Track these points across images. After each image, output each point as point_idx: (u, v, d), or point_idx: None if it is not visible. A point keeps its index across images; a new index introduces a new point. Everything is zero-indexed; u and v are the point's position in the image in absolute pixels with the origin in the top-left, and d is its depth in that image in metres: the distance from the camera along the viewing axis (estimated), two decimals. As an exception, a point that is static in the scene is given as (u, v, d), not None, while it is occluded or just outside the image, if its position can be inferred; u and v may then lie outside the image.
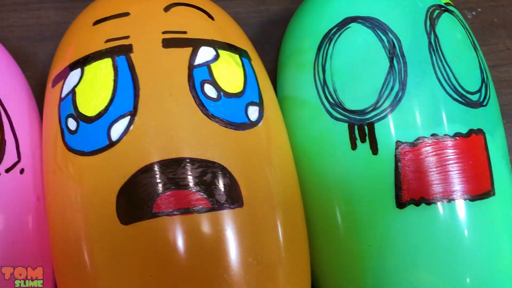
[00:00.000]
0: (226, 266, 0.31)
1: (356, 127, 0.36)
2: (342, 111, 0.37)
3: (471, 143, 0.36)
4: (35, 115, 0.39)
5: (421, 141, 0.35)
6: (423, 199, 0.34)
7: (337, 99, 0.37)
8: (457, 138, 0.35)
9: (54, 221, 0.34)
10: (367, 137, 0.36)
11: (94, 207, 0.32)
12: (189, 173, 0.31)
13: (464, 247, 0.35)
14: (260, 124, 0.35)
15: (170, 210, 0.31)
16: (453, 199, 0.34)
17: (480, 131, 0.36)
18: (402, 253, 0.35)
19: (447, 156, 0.35)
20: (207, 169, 0.32)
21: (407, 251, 0.35)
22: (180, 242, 0.30)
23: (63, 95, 0.34)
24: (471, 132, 0.36)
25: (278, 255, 0.33)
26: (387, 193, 0.35)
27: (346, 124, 0.36)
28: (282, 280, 0.33)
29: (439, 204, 0.34)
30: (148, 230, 0.30)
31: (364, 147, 0.36)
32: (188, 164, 0.31)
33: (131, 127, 0.32)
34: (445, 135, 0.35)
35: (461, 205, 0.35)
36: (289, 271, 0.33)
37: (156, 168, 0.31)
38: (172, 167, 0.31)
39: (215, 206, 0.31)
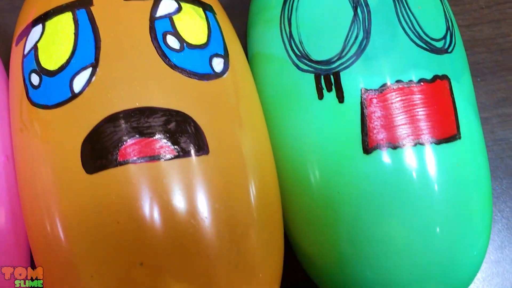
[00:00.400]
0: (192, 212, 0.31)
1: (322, 77, 0.36)
2: (308, 63, 0.37)
3: (436, 88, 0.36)
4: (4, 81, 0.39)
5: (386, 87, 0.35)
6: (389, 143, 0.35)
7: (303, 50, 0.37)
8: (421, 83, 0.36)
9: (23, 178, 0.34)
10: (333, 86, 0.36)
11: (60, 158, 0.32)
12: (153, 121, 0.31)
13: (431, 191, 0.35)
14: (225, 75, 0.35)
15: (135, 158, 0.31)
16: (419, 143, 0.35)
17: (445, 77, 0.36)
18: (371, 200, 0.35)
19: (412, 101, 0.35)
20: (171, 118, 0.32)
21: (376, 197, 0.35)
22: (145, 190, 0.30)
23: (25, 51, 0.35)
24: (435, 77, 0.36)
25: (247, 202, 0.33)
26: (354, 139, 0.35)
27: (313, 75, 0.36)
28: (253, 226, 0.33)
29: (405, 148, 0.35)
30: (114, 178, 0.31)
31: (330, 96, 0.36)
32: (152, 112, 0.31)
33: (93, 79, 0.32)
34: (410, 81, 0.35)
35: (427, 148, 0.35)
36: (260, 218, 0.34)
37: (119, 117, 0.31)
38: (136, 116, 0.31)
39: (180, 153, 0.31)
